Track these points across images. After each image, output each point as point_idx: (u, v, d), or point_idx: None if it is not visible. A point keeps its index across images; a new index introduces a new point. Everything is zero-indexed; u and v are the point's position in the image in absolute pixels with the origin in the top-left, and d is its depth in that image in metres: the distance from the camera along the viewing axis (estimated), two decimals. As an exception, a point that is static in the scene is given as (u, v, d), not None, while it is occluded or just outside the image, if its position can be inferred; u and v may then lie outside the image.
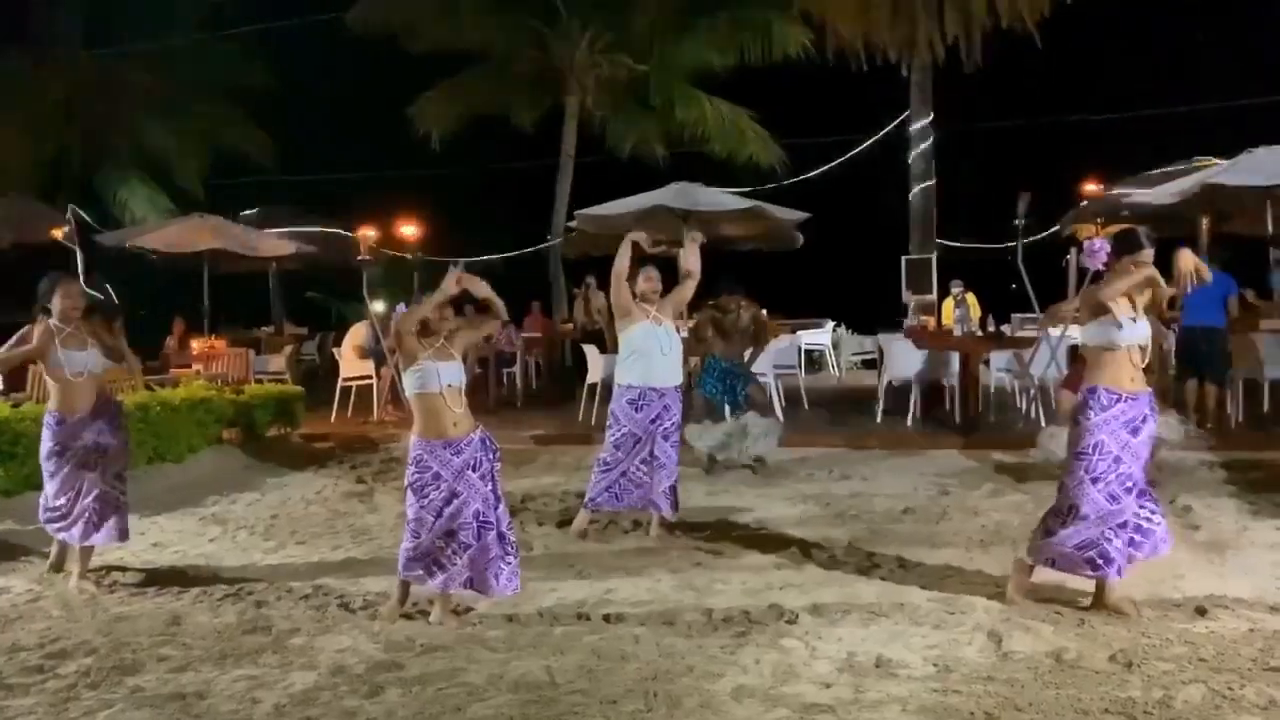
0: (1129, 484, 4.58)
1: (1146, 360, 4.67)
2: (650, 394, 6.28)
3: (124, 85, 19.72)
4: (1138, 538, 4.65)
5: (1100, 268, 4.72)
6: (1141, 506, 4.67)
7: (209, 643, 4.55)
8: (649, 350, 6.28)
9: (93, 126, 20.04)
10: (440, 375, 4.68)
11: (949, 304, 14.89)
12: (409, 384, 4.75)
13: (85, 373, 5.44)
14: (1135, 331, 4.61)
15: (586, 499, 6.47)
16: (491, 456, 4.75)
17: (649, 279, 6.44)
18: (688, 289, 6.57)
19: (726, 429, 8.28)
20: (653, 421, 6.26)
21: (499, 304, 5.01)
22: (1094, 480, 4.55)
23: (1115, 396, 4.59)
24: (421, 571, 4.69)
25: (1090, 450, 4.57)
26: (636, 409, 6.27)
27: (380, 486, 8.22)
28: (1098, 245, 4.69)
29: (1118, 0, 18.77)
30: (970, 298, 14.95)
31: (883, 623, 4.62)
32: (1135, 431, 4.60)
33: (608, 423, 6.43)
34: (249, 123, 20.58)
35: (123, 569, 5.83)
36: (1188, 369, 9.56)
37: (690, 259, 6.54)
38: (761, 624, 4.63)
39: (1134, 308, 4.66)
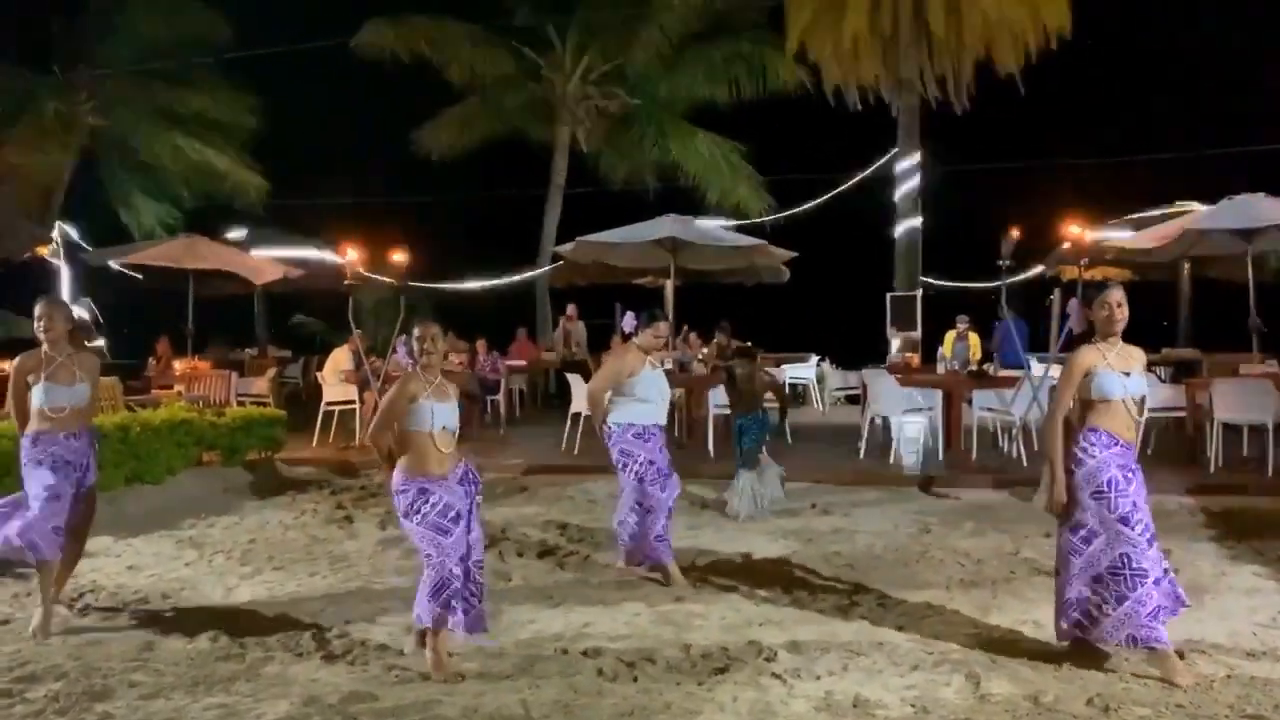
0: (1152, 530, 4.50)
1: (1144, 416, 4.65)
2: (658, 431, 6.21)
3: (121, 104, 19.74)
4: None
5: (1079, 329, 4.70)
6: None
7: (181, 669, 4.50)
8: (652, 398, 6.20)
9: (89, 144, 20.05)
10: (434, 416, 4.54)
11: (951, 336, 15.00)
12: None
13: (67, 409, 5.28)
14: (1131, 385, 4.56)
15: (639, 559, 6.20)
16: (472, 489, 4.68)
17: (658, 335, 6.24)
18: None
19: (748, 483, 8.17)
20: (663, 450, 6.19)
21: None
22: (1124, 522, 4.41)
23: (1115, 440, 4.52)
24: (445, 611, 4.42)
25: (1108, 487, 4.45)
26: (650, 442, 6.15)
27: (360, 513, 8.17)
28: (1074, 306, 4.70)
29: (1103, 47, 19.09)
30: (974, 336, 15.04)
31: (861, 662, 4.60)
32: (1128, 480, 4.50)
33: (618, 463, 6.16)
34: (241, 146, 20.60)
35: (96, 592, 5.77)
36: None
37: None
38: (740, 661, 4.60)
39: (1127, 362, 4.59)
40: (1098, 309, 4.62)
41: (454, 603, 4.43)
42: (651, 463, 6.06)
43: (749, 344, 8.66)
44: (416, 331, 4.71)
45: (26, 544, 5.07)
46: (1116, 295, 4.63)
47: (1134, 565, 4.40)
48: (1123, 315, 4.60)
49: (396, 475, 4.59)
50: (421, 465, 4.54)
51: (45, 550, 5.09)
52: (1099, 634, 4.49)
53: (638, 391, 6.13)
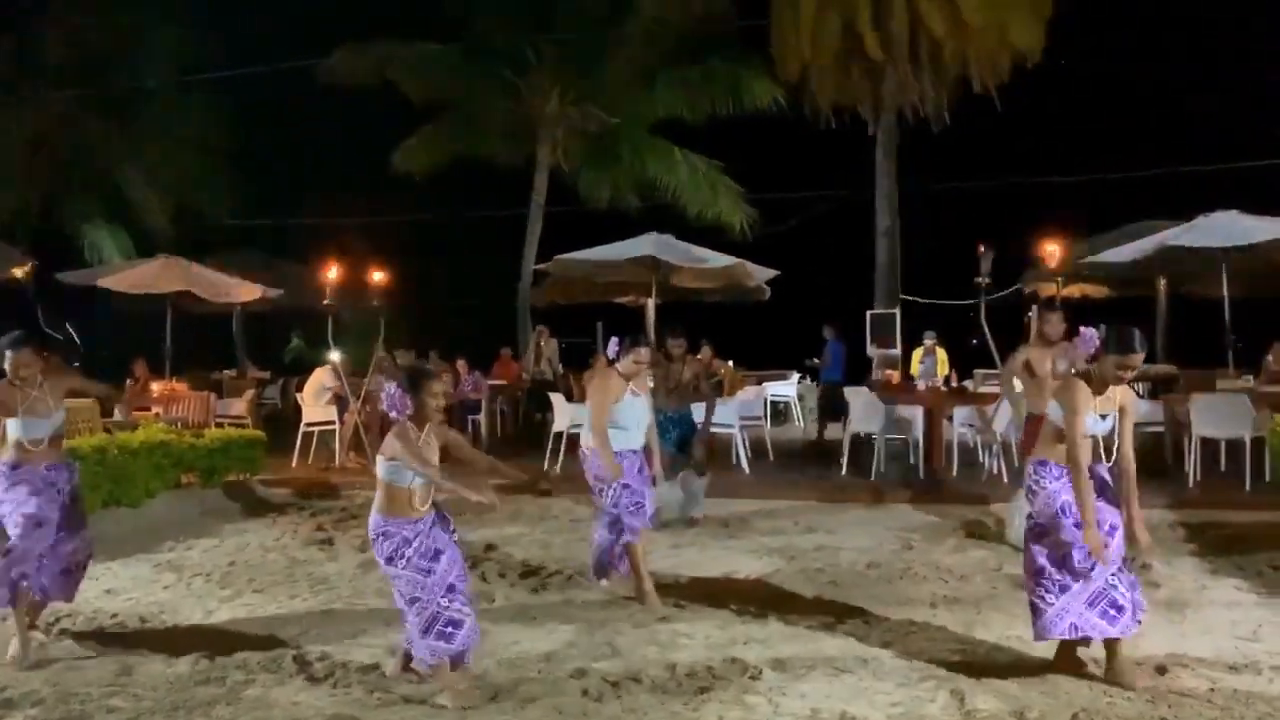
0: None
1: (1115, 455, 4.59)
2: (627, 453, 6.13)
3: (92, 126, 19.65)
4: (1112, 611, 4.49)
5: (1086, 362, 4.55)
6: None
7: (160, 694, 4.44)
8: (629, 424, 6.16)
9: (60, 166, 19.93)
10: (414, 475, 4.36)
11: (918, 353, 15.04)
12: (382, 469, 4.43)
13: (44, 440, 5.22)
14: (1097, 426, 4.53)
15: (604, 571, 6.27)
16: (448, 532, 4.54)
17: (639, 360, 6.17)
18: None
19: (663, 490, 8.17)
20: (639, 472, 6.17)
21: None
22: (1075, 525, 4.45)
23: (1064, 470, 4.49)
24: (442, 642, 4.33)
25: (1062, 512, 4.47)
26: (631, 464, 6.12)
27: (340, 534, 8.10)
28: (1089, 335, 4.51)
29: (1081, 64, 19.33)
30: (940, 352, 15.10)
31: (846, 679, 4.59)
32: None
33: (594, 488, 6.16)
34: (217, 167, 20.52)
35: (73, 616, 5.69)
36: (826, 417, 13.40)
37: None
38: (725, 679, 4.59)
39: (1110, 402, 4.54)
40: (1113, 364, 4.48)
41: (448, 629, 4.32)
42: (626, 486, 6.03)
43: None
44: (431, 384, 4.53)
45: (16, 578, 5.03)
46: (1136, 359, 4.53)
47: (1077, 563, 4.44)
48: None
49: (375, 518, 4.44)
50: (400, 509, 4.38)
51: (35, 584, 5.09)
52: (1041, 628, 4.55)
53: (617, 418, 6.09)
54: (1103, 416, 4.54)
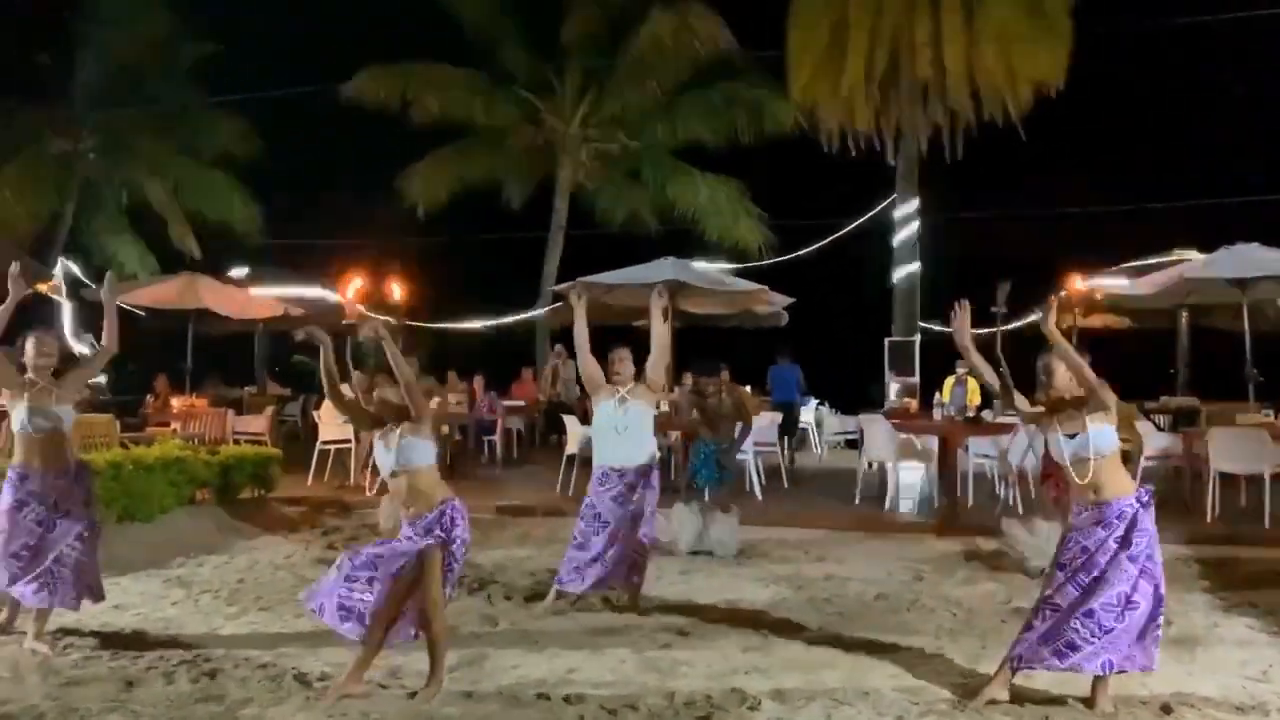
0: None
1: (1088, 476, 4.55)
2: (610, 473, 6.26)
3: (122, 143, 19.95)
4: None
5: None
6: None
7: (159, 711, 4.46)
8: (604, 429, 6.29)
9: (89, 182, 20.24)
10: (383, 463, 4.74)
11: (950, 382, 15.00)
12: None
13: (48, 430, 5.36)
14: (1061, 447, 4.63)
15: (556, 578, 6.43)
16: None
17: (621, 359, 6.38)
18: (659, 363, 6.43)
19: (691, 522, 8.28)
20: (615, 500, 6.22)
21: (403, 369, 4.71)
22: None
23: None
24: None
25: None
26: (601, 485, 6.28)
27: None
28: None
29: (1102, 95, 19.26)
30: (972, 381, 15.01)
31: (846, 711, 4.55)
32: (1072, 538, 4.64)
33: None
34: (241, 185, 20.78)
35: (79, 632, 5.73)
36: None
37: (658, 329, 6.39)
38: (723, 709, 4.56)
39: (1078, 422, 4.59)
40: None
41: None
42: (590, 505, 6.22)
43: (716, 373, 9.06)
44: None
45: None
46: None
47: (1050, 600, 4.57)
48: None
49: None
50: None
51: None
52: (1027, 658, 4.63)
53: (595, 420, 6.36)
54: (1070, 436, 4.60)
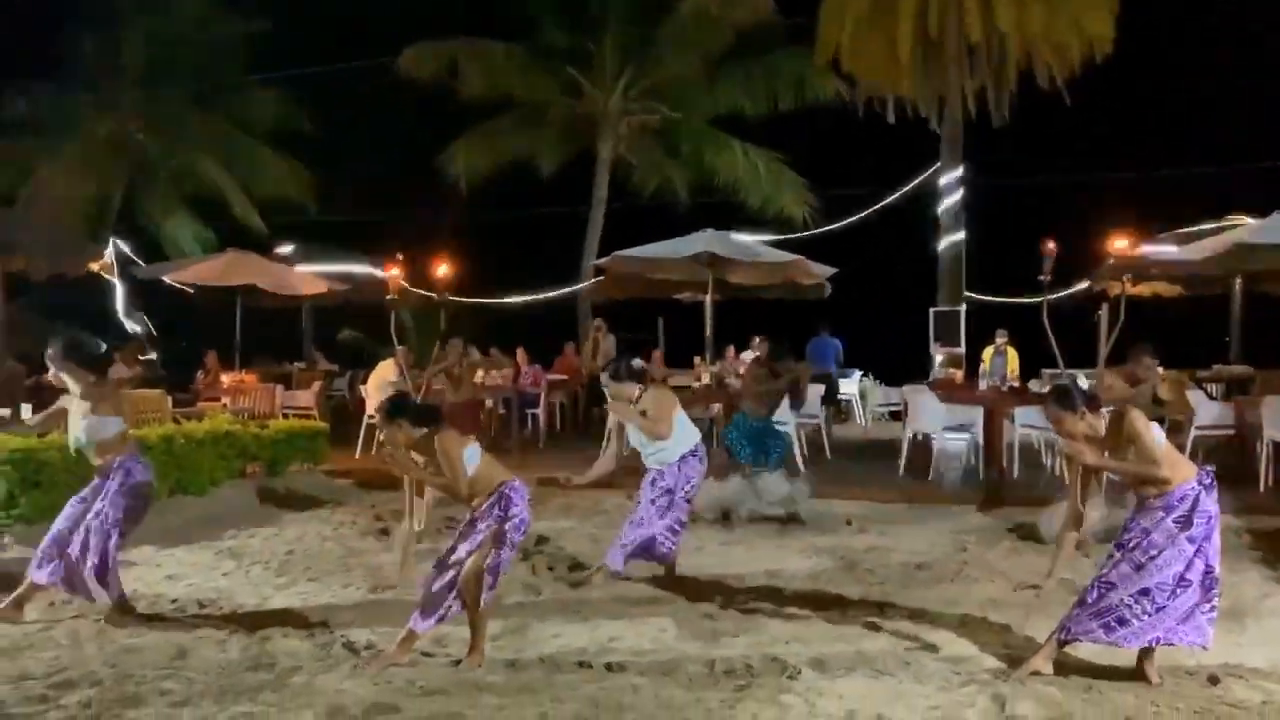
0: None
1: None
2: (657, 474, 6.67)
3: (172, 122, 20.21)
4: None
5: None
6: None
7: (211, 678, 4.57)
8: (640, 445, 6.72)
9: (140, 162, 20.55)
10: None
11: (989, 351, 14.87)
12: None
13: (78, 447, 5.51)
14: None
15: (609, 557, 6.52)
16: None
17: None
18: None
19: (736, 486, 8.38)
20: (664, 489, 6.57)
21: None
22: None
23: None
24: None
25: None
26: (652, 484, 6.63)
27: (397, 525, 8.23)
28: None
29: (1151, 58, 18.77)
30: (1012, 351, 14.90)
31: (887, 681, 4.56)
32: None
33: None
34: (292, 161, 20.97)
35: (135, 600, 5.87)
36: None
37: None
38: (763, 678, 4.58)
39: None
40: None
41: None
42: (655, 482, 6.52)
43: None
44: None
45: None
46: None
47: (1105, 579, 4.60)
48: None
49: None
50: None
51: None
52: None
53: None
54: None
